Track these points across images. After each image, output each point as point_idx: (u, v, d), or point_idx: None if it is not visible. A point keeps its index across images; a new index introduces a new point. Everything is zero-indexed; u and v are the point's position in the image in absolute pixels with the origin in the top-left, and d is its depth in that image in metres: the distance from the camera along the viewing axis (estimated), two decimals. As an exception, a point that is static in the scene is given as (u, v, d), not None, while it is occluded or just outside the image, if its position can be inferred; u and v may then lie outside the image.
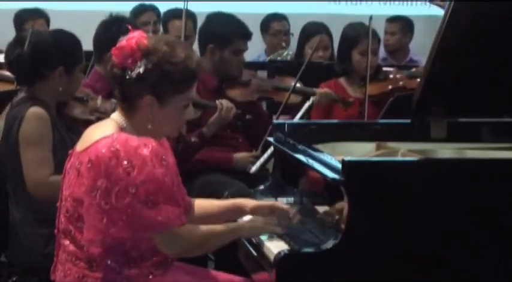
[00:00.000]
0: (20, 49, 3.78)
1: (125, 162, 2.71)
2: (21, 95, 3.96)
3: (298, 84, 4.94)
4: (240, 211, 3.15)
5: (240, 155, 4.64)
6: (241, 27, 4.81)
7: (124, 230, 2.74)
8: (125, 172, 2.71)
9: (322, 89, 4.92)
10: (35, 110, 3.72)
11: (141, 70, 2.78)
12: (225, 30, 4.71)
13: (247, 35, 4.84)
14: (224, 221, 3.11)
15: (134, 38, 2.81)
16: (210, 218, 3.14)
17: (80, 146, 2.87)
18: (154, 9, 6.73)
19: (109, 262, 2.80)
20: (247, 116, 4.61)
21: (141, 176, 2.71)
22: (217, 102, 4.48)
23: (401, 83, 5.16)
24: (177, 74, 2.81)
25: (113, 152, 2.73)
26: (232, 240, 2.98)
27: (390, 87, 5.10)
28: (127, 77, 2.79)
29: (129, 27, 2.92)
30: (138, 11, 6.69)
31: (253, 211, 3.10)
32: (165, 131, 2.94)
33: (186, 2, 5.05)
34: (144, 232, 2.77)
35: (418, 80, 5.14)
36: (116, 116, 2.89)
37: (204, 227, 2.90)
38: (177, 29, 6.08)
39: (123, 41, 2.81)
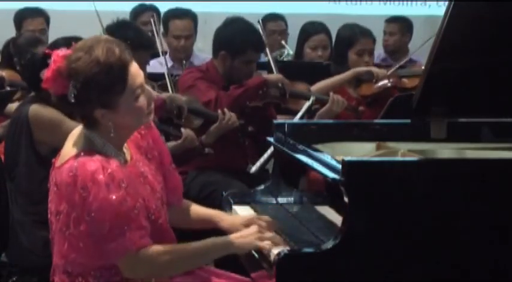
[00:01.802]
0: (20, 54, 3.80)
1: (81, 188, 2.67)
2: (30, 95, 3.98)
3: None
4: (215, 224, 3.13)
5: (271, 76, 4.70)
6: (256, 39, 4.77)
7: (83, 256, 2.74)
8: (81, 198, 2.68)
9: (336, 97, 4.85)
10: (35, 106, 3.74)
11: (75, 92, 2.70)
12: (240, 40, 4.65)
13: (261, 47, 4.83)
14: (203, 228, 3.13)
15: (53, 64, 2.73)
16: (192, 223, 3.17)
17: (60, 159, 2.84)
18: (155, 9, 6.74)
19: (93, 273, 2.78)
20: (250, 128, 4.59)
21: (96, 202, 2.67)
22: (219, 111, 4.47)
23: (389, 83, 5.13)
24: (108, 78, 2.71)
25: (71, 177, 2.70)
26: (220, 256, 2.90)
27: (379, 84, 5.09)
28: (69, 101, 2.72)
29: (46, 51, 2.83)
30: (139, 11, 6.70)
31: (227, 229, 3.07)
32: (135, 125, 2.87)
33: (94, 2, 4.90)
34: (100, 260, 2.74)
35: (406, 80, 5.19)
36: (84, 129, 2.84)
37: (177, 247, 2.84)
38: (178, 29, 6.09)
39: (45, 73, 2.74)
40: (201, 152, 4.30)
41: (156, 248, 2.78)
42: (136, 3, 6.85)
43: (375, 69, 5.05)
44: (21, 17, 6.42)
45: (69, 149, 2.82)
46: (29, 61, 3.82)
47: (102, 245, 2.71)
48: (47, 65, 2.80)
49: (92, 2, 7.25)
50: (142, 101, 2.80)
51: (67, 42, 3.62)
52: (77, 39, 3.63)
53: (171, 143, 4.22)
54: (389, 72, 5.17)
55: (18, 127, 3.78)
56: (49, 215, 2.87)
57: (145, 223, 2.77)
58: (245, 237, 2.91)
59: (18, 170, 3.79)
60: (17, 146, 3.79)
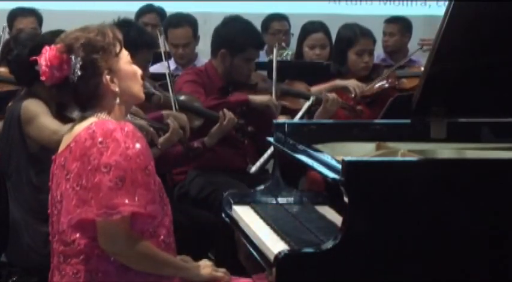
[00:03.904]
0: (20, 48, 3.80)
1: (100, 143, 2.75)
2: (21, 93, 3.99)
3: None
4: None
5: (257, 97, 4.66)
6: (256, 36, 4.80)
7: (89, 210, 2.74)
8: (99, 152, 2.74)
9: (331, 95, 4.85)
10: (29, 101, 3.76)
11: (80, 62, 2.80)
12: (240, 38, 4.68)
13: (260, 44, 4.84)
14: None
15: (48, 50, 2.83)
16: None
17: (61, 147, 2.90)
18: (158, 12, 6.73)
19: (98, 252, 2.80)
20: (249, 128, 4.58)
21: (114, 156, 2.73)
22: (220, 113, 4.46)
23: (387, 84, 5.13)
24: (105, 40, 2.84)
25: (89, 133, 2.77)
26: (170, 275, 2.88)
27: (378, 85, 5.09)
28: (74, 80, 2.81)
29: (32, 58, 2.90)
30: (143, 11, 6.69)
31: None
32: (135, 93, 2.94)
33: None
34: (108, 213, 2.72)
35: (405, 80, 5.18)
36: (89, 117, 2.88)
37: (154, 248, 2.83)
38: (175, 38, 6.06)
39: (42, 64, 2.82)
40: (190, 147, 4.29)
41: (146, 242, 2.81)
42: (140, 4, 6.84)
43: (352, 84, 4.98)
44: (13, 16, 6.43)
45: (71, 134, 2.86)
46: (17, 56, 3.82)
47: (111, 197, 2.72)
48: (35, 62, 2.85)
49: (89, 2, 7.28)
50: (135, 67, 2.95)
51: (54, 36, 3.63)
52: (62, 32, 3.65)
53: (159, 140, 4.20)
54: (387, 73, 5.15)
55: (12, 124, 3.80)
56: (53, 202, 2.88)
57: (154, 187, 2.82)
58: (203, 268, 2.94)
59: (14, 167, 3.80)
60: (10, 142, 3.81)
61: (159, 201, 2.86)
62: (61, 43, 2.84)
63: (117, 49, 2.88)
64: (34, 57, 2.89)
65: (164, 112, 4.25)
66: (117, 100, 2.87)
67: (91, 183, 2.74)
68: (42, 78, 2.84)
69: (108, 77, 2.85)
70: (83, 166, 2.76)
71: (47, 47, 2.85)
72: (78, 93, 2.86)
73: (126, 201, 2.73)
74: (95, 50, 2.82)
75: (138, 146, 2.77)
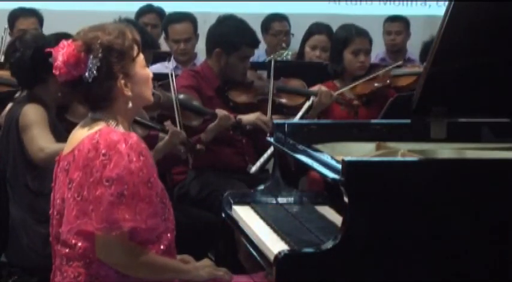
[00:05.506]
0: (22, 51, 3.79)
1: (103, 155, 2.73)
2: (22, 94, 3.98)
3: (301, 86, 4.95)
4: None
5: (245, 116, 4.62)
6: (250, 35, 4.80)
7: (89, 223, 2.74)
8: (102, 164, 2.73)
9: (323, 89, 4.85)
10: (30, 106, 3.75)
11: (97, 64, 2.78)
12: (234, 36, 4.69)
13: (255, 42, 4.84)
14: None
15: (66, 47, 2.80)
16: None
17: (67, 148, 2.89)
18: (158, 12, 6.73)
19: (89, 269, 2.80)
20: (248, 127, 4.59)
21: (117, 169, 2.71)
22: (217, 110, 4.47)
23: (380, 83, 5.12)
24: (125, 43, 2.83)
25: (93, 144, 2.76)
26: (170, 279, 2.89)
27: (376, 85, 5.08)
28: (89, 81, 2.79)
29: (47, 50, 2.88)
30: (143, 12, 6.69)
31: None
32: (147, 96, 2.93)
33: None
34: (108, 227, 2.71)
35: (400, 78, 5.18)
36: (98, 121, 2.86)
37: (152, 256, 2.83)
38: (176, 33, 6.06)
39: (58, 59, 2.79)
40: (192, 148, 4.29)
41: (146, 249, 2.81)
42: (140, 4, 6.84)
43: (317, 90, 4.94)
44: (14, 17, 6.41)
45: (81, 133, 2.84)
46: (19, 59, 3.81)
47: (112, 211, 2.71)
48: (39, 63, 2.82)
49: (89, 2, 7.28)
50: (148, 71, 2.94)
51: (57, 38, 3.62)
52: (66, 35, 3.65)
53: (159, 144, 4.20)
54: (377, 73, 5.14)
55: (12, 127, 3.79)
56: (55, 204, 2.88)
57: (156, 199, 2.80)
58: (203, 268, 2.95)
59: (12, 169, 3.80)
60: (9, 145, 3.81)
61: (161, 209, 2.84)
62: (80, 41, 2.80)
63: (135, 53, 2.86)
64: (49, 49, 2.85)
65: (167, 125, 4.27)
66: (130, 104, 2.86)
67: (92, 195, 2.73)
68: (55, 72, 2.81)
69: (122, 82, 2.83)
70: (85, 177, 2.75)
71: (64, 42, 2.82)
72: (91, 94, 2.84)
73: (127, 216, 2.72)
74: (113, 53, 2.80)
75: (142, 158, 2.75)
